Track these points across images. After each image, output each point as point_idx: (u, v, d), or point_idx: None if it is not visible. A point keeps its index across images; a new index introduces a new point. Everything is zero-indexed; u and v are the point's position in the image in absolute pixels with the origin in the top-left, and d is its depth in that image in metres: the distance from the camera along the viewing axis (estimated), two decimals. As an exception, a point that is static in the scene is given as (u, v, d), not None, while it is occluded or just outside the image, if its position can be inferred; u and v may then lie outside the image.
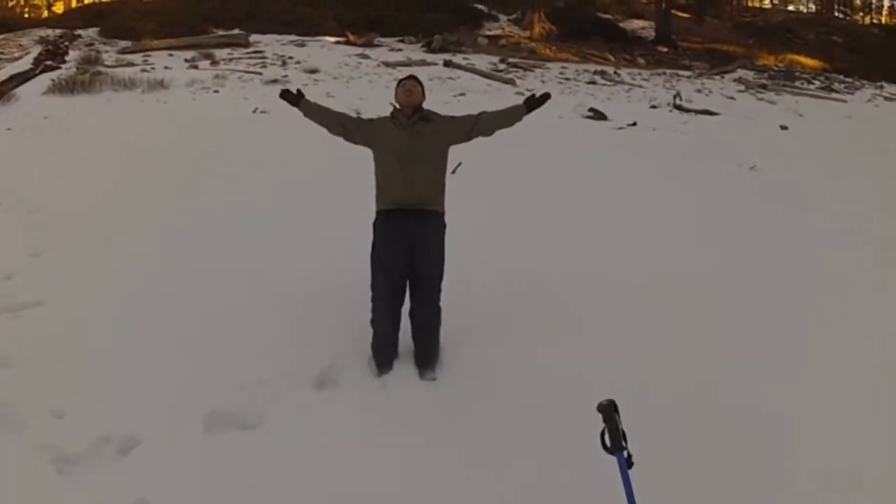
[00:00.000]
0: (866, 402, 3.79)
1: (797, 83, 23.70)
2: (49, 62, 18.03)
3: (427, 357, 4.10)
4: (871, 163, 10.68)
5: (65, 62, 18.47)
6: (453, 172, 7.73)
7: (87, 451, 3.24)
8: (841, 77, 26.64)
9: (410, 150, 4.11)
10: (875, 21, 43.82)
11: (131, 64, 18.26)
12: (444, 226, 4.23)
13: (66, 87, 14.10)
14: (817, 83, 24.41)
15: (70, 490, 3.03)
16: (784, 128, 14.10)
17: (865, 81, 26.01)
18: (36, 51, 20.18)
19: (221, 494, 3.04)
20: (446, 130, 4.28)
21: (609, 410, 2.20)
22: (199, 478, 3.12)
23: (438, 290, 4.16)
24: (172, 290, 4.88)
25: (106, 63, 18.27)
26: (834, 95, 21.76)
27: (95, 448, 3.26)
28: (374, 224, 4.23)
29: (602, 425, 2.21)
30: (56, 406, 3.52)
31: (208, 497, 3.03)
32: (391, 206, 4.15)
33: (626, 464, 2.21)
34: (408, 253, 4.09)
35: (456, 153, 6.84)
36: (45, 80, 15.12)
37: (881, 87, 25.17)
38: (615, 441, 2.20)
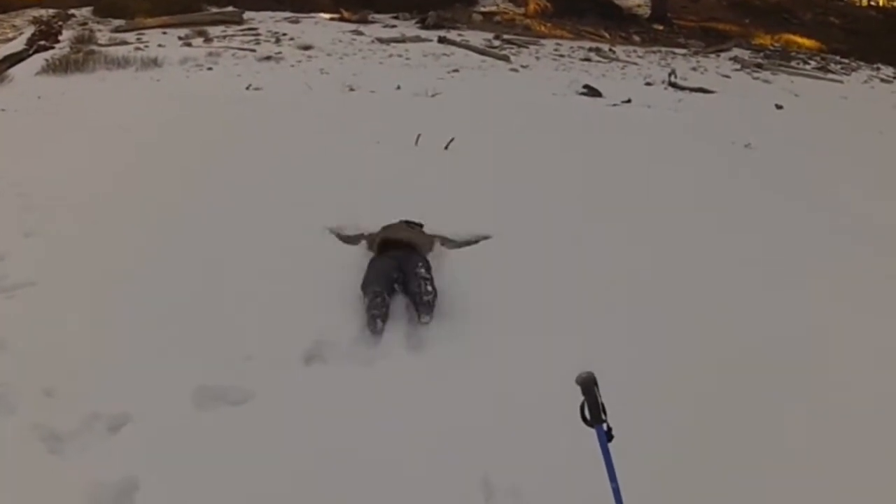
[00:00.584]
0: (863, 398, 3.72)
1: (793, 63, 23.52)
2: (43, 42, 17.88)
3: (422, 301, 4.30)
4: (865, 144, 10.68)
5: (58, 42, 18.34)
6: (446, 148, 7.75)
7: (77, 429, 3.26)
8: (837, 58, 26.42)
9: (398, 230, 5.15)
10: (872, 3, 43.56)
11: (125, 42, 18.13)
12: (429, 265, 4.80)
13: (59, 67, 14.00)
14: (813, 63, 24.25)
15: (61, 468, 3.06)
16: (779, 107, 14.05)
17: (862, 63, 25.83)
18: (29, 31, 20.03)
19: (212, 470, 3.08)
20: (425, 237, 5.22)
21: (588, 383, 2.23)
22: (189, 454, 3.15)
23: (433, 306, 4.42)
24: (162, 268, 4.88)
25: (99, 42, 18.14)
26: (830, 76, 21.60)
27: (86, 426, 3.29)
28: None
29: (581, 398, 2.25)
30: (47, 385, 3.54)
31: (199, 473, 3.06)
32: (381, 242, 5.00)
33: (606, 436, 2.24)
34: (398, 267, 4.65)
35: (449, 130, 6.83)
36: (38, 60, 15.03)
37: (878, 68, 24.99)
38: (594, 413, 2.23)
